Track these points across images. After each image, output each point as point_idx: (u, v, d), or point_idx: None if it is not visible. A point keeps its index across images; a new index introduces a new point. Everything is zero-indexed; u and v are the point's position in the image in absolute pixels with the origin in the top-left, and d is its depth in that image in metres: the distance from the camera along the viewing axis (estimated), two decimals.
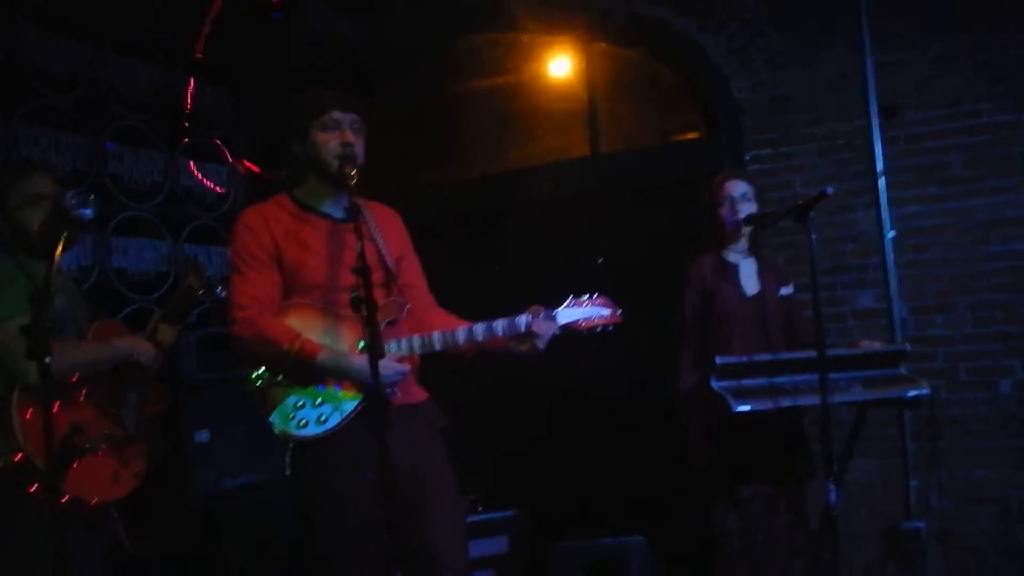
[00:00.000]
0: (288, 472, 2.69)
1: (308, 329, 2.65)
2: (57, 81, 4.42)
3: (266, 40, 5.07)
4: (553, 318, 2.78)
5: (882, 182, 4.56)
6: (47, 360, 2.16)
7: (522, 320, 2.75)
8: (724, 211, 3.49)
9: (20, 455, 2.64)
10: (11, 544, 2.70)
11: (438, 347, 2.74)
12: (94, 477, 2.82)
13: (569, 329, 2.81)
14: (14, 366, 2.69)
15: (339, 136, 2.70)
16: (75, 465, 2.75)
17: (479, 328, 2.75)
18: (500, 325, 2.75)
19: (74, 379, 2.82)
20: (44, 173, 3.01)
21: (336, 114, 2.72)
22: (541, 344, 2.75)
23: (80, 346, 2.89)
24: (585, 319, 2.82)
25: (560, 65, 5.59)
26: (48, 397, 2.22)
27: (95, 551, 2.89)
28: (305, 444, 2.64)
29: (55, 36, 4.42)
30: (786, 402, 3.06)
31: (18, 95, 4.22)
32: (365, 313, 2.30)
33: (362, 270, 2.32)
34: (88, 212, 2.49)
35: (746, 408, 3.00)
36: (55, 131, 4.36)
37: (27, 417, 2.67)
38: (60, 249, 2.33)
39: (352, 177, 2.60)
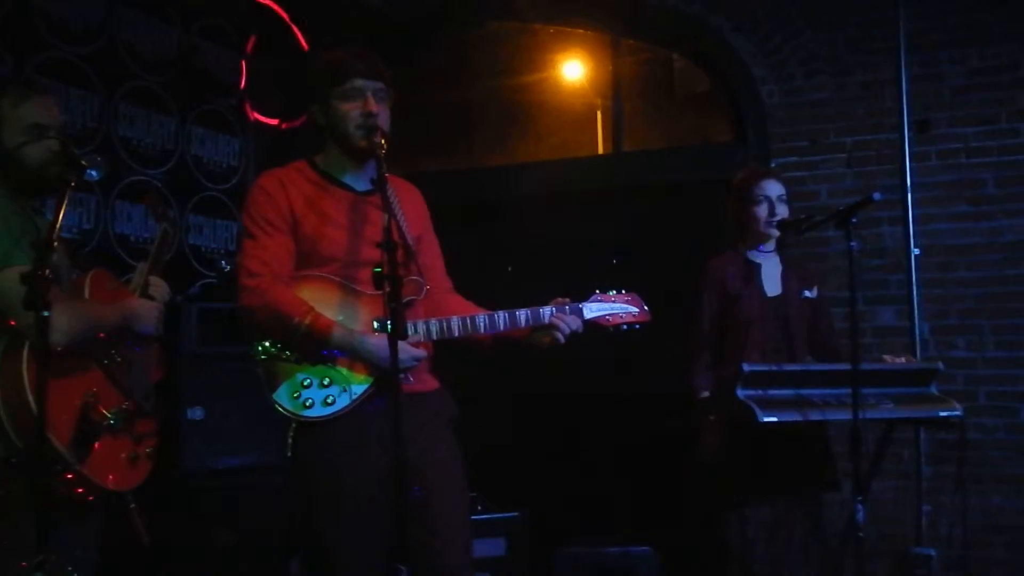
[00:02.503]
0: (289, 454, 2.56)
1: (322, 304, 2.51)
2: (72, 34, 4.28)
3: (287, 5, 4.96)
4: (579, 312, 2.66)
5: (910, 197, 4.44)
6: (45, 314, 1.97)
7: (546, 311, 2.64)
8: (760, 211, 3.36)
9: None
10: None
11: (456, 333, 2.61)
12: (113, 460, 2.46)
13: (594, 325, 2.69)
14: (20, 319, 2.27)
15: (361, 105, 2.55)
16: (96, 446, 2.37)
17: (500, 316, 2.62)
18: (523, 315, 2.63)
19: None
20: (45, 97, 2.57)
21: (358, 81, 2.56)
22: (563, 337, 2.63)
23: (84, 305, 2.52)
24: (612, 315, 2.70)
25: (584, 61, 5.50)
26: (45, 357, 2.01)
27: (87, 539, 2.54)
28: (309, 426, 2.50)
29: None
30: (814, 415, 2.95)
31: (31, 45, 4.07)
32: (388, 290, 2.16)
33: (388, 244, 2.19)
34: (94, 174, 2.32)
35: (772, 419, 2.89)
36: (66, 86, 4.21)
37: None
38: (67, 197, 2.16)
39: (382, 147, 2.45)
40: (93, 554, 2.57)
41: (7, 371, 2.28)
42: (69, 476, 2.28)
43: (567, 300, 2.68)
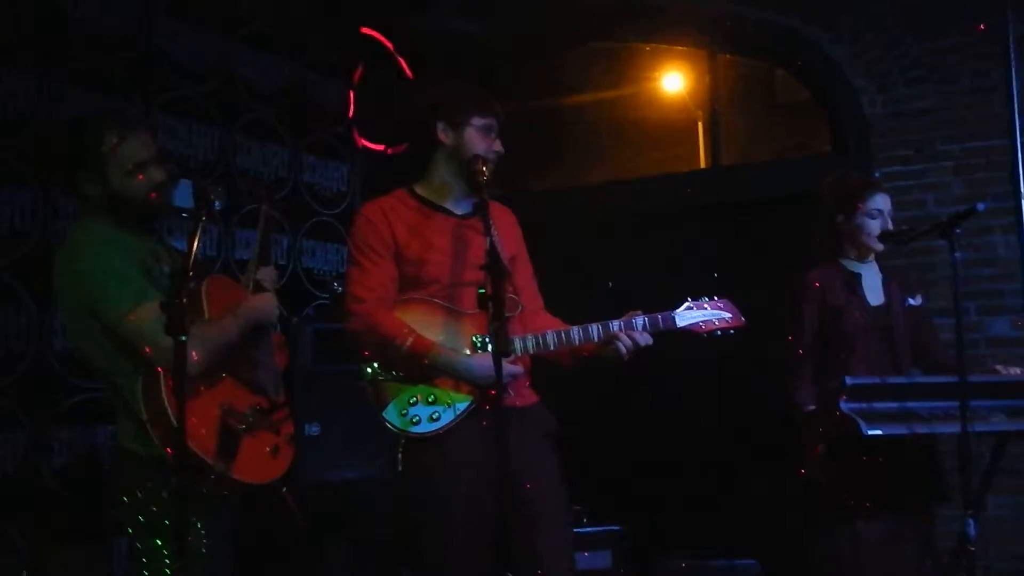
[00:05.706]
0: (399, 468, 2.67)
1: (426, 325, 2.63)
2: (193, 73, 4.55)
3: (391, 35, 5.14)
4: (671, 320, 2.70)
5: (1023, 205, 4.32)
6: (183, 339, 2.11)
7: (615, 324, 2.67)
8: (875, 225, 3.30)
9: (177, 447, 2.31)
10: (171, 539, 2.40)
11: (552, 347, 2.68)
12: (258, 457, 2.58)
13: (688, 332, 2.72)
14: (157, 347, 2.39)
15: (492, 142, 2.73)
16: (240, 449, 2.50)
17: (594, 328, 2.68)
18: (595, 329, 2.67)
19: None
20: (144, 131, 2.66)
21: (493, 120, 2.75)
22: (624, 351, 2.64)
23: (209, 327, 2.55)
24: (705, 322, 2.72)
25: (682, 75, 5.51)
26: (182, 379, 2.13)
27: (227, 533, 2.67)
28: (417, 441, 2.62)
29: (190, 28, 4.54)
30: (921, 429, 2.90)
31: (158, 85, 4.35)
32: (492, 309, 2.25)
33: (491, 266, 2.28)
34: (218, 204, 2.47)
35: (877, 432, 2.85)
36: (189, 120, 4.48)
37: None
38: (200, 228, 2.32)
39: (486, 175, 2.60)
40: (225, 549, 2.68)
41: (150, 397, 2.43)
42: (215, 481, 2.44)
43: (638, 312, 2.69)
